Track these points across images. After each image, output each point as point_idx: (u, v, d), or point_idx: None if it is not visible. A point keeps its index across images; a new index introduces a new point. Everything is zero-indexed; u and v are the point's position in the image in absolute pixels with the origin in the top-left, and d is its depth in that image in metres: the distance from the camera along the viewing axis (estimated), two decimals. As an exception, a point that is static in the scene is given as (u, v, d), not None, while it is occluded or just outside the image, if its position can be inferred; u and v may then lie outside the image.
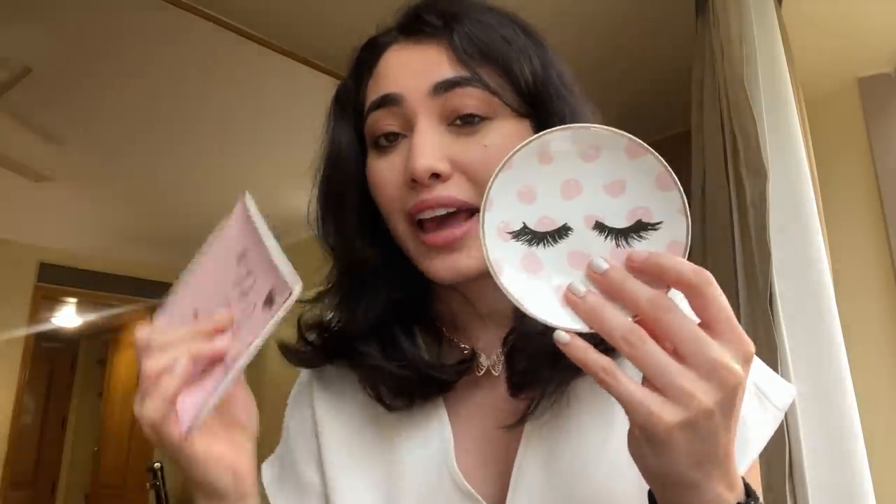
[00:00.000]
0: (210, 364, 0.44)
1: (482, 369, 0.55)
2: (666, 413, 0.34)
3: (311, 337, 0.59)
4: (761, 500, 0.40)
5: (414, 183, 0.49)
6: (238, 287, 0.46)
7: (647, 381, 0.36)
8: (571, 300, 0.38)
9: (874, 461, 1.14)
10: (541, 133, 0.39)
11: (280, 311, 0.40)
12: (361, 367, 0.55)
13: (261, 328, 0.41)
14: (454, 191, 0.49)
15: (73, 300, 5.13)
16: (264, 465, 0.65)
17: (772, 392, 0.55)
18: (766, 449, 0.53)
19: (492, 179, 0.39)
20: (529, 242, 0.40)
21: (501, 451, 0.53)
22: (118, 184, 3.74)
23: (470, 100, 0.50)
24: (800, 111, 1.39)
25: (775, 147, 1.32)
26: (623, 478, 0.49)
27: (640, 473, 0.46)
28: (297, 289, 0.40)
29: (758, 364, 0.56)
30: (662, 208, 0.38)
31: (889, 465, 1.56)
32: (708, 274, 0.36)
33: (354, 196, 0.55)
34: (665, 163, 0.38)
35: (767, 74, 1.37)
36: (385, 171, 0.52)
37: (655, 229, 0.39)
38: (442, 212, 0.49)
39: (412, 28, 0.54)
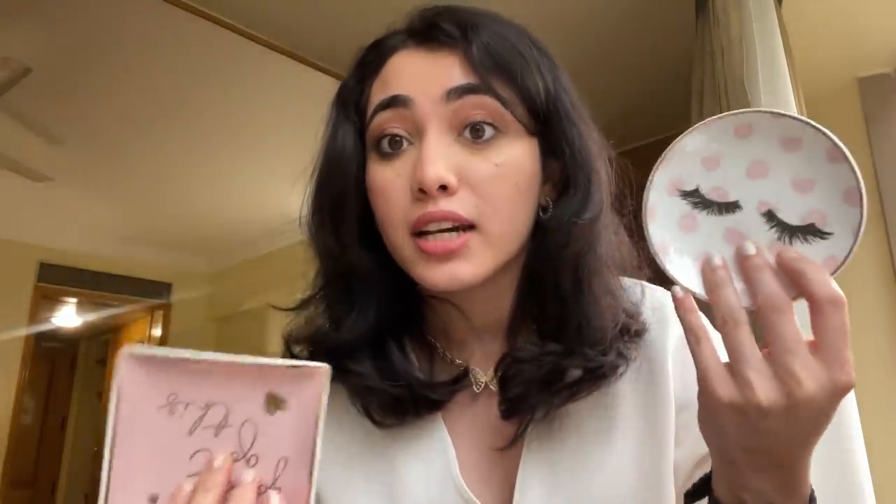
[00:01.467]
0: None
1: (480, 385, 0.54)
2: (720, 387, 0.37)
3: (298, 351, 0.56)
4: None
5: (421, 193, 0.47)
6: (199, 433, 0.37)
7: (728, 364, 0.38)
8: (704, 267, 0.40)
9: (874, 461, 1.14)
10: (747, 110, 0.39)
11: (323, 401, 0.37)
12: (351, 383, 0.53)
13: (295, 434, 0.36)
14: (458, 206, 0.47)
15: (73, 300, 5.12)
16: None
17: None
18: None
19: (681, 136, 0.40)
20: (695, 205, 0.41)
21: (502, 466, 0.53)
22: (118, 184, 3.74)
23: (482, 109, 0.48)
24: (800, 111, 1.39)
25: (775, 147, 1.31)
26: (624, 492, 0.50)
27: (640, 485, 0.48)
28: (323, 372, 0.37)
29: None
30: (839, 221, 0.38)
31: (889, 465, 1.56)
32: (841, 300, 0.36)
33: (353, 200, 0.52)
34: (860, 178, 0.37)
35: (767, 74, 1.37)
36: (389, 179, 0.49)
37: (823, 238, 0.38)
38: (446, 225, 0.47)
39: (426, 35, 0.52)
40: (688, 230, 0.41)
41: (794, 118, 0.38)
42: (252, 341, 4.94)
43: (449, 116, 0.48)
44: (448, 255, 0.47)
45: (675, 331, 0.55)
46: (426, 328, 0.56)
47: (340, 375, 0.52)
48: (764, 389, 0.35)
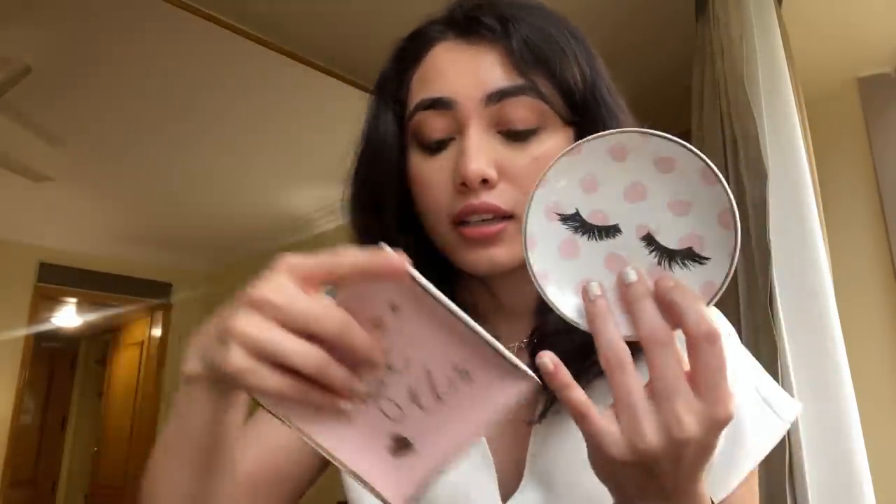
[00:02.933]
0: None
1: None
2: (614, 450, 0.36)
3: None
4: None
5: (463, 186, 0.49)
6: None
7: (616, 414, 0.37)
8: (583, 297, 0.38)
9: (874, 461, 1.14)
10: (619, 130, 0.38)
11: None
12: None
13: (485, 402, 0.37)
14: (498, 199, 0.49)
15: (73, 300, 5.12)
16: None
17: (777, 404, 0.55)
18: (766, 449, 0.54)
19: (555, 160, 0.39)
20: (575, 230, 0.40)
21: (515, 441, 0.54)
22: (118, 184, 3.74)
23: (522, 110, 0.50)
24: (800, 111, 1.39)
25: (775, 147, 1.32)
26: None
27: None
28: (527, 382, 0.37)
29: (765, 378, 0.57)
30: (716, 244, 0.37)
31: (889, 465, 1.56)
32: (712, 331, 0.35)
33: (394, 187, 0.55)
34: (733, 200, 0.37)
35: (767, 74, 1.37)
36: (433, 173, 0.52)
37: (701, 263, 0.38)
38: (487, 216, 0.49)
39: (466, 28, 0.53)
40: (569, 257, 0.40)
41: (664, 137, 0.37)
42: (252, 341, 4.94)
43: (489, 115, 0.50)
44: (487, 241, 0.50)
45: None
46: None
47: None
48: (654, 437, 0.35)
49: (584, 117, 0.52)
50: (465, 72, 0.51)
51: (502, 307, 0.57)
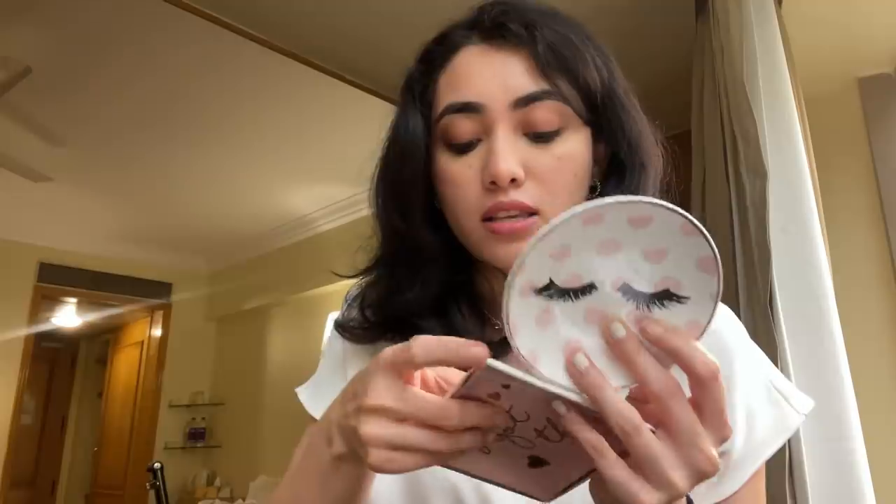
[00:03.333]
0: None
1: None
2: (648, 498, 0.36)
3: (369, 314, 0.61)
4: None
5: (493, 185, 0.52)
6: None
7: (632, 464, 0.37)
8: (572, 372, 0.38)
9: (874, 461, 1.14)
10: (595, 202, 0.36)
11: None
12: None
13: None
14: (525, 196, 0.52)
15: (73, 300, 5.13)
16: (299, 389, 0.68)
17: (792, 397, 0.56)
18: (766, 449, 0.54)
19: (529, 248, 0.37)
20: (550, 297, 0.39)
21: None
22: (118, 184, 3.75)
23: (547, 114, 0.53)
24: (800, 111, 1.39)
25: (775, 147, 1.31)
26: None
27: None
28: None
29: (777, 372, 0.58)
30: (695, 287, 0.37)
31: (889, 465, 1.56)
32: (716, 367, 0.36)
33: (421, 186, 0.57)
34: (714, 248, 0.36)
35: (767, 74, 1.37)
36: (462, 171, 0.54)
37: (680, 303, 0.38)
38: (514, 213, 0.52)
39: (493, 33, 0.55)
40: (545, 325, 0.39)
41: (644, 202, 0.36)
42: (252, 341, 4.95)
43: (516, 118, 0.53)
44: (515, 235, 0.52)
45: (739, 357, 0.56)
46: (476, 297, 0.61)
47: (403, 332, 0.57)
48: (684, 480, 0.36)
49: (601, 117, 0.55)
50: (492, 77, 0.54)
51: None
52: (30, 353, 4.47)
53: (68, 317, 5.42)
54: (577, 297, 0.39)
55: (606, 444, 0.37)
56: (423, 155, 0.57)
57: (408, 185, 0.58)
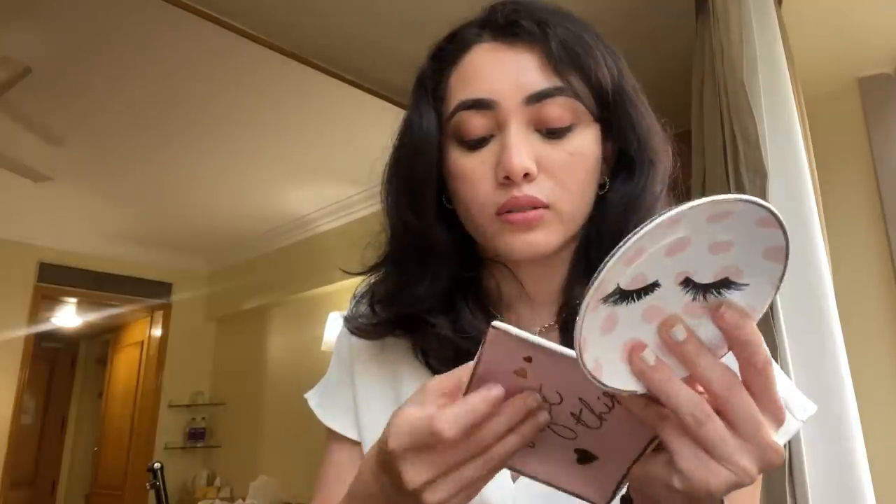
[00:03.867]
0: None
1: None
2: (718, 482, 0.36)
3: (378, 310, 0.62)
4: None
5: (507, 180, 0.52)
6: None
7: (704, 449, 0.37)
8: (640, 370, 0.38)
9: (874, 461, 1.14)
10: (682, 206, 0.34)
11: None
12: (422, 336, 0.59)
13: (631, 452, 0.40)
14: (537, 191, 0.52)
15: (73, 300, 5.13)
16: (308, 395, 0.68)
17: (793, 403, 0.56)
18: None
19: (606, 266, 0.35)
20: (615, 303, 0.37)
21: None
22: (118, 184, 3.74)
23: (560, 110, 0.53)
24: (800, 111, 1.39)
25: (775, 147, 1.31)
26: None
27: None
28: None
29: (780, 375, 0.57)
30: (756, 274, 0.37)
31: (889, 465, 1.56)
32: (769, 354, 0.37)
33: (434, 182, 0.58)
34: (788, 239, 0.36)
35: (767, 74, 1.37)
36: (475, 167, 0.55)
37: (738, 289, 0.37)
38: (528, 208, 0.53)
39: (505, 30, 0.56)
40: (609, 331, 0.38)
41: (731, 200, 0.34)
42: (252, 341, 4.94)
43: (528, 114, 0.53)
44: (527, 226, 0.53)
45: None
46: (482, 293, 0.62)
47: (412, 328, 0.60)
48: (754, 465, 0.36)
49: (611, 113, 0.56)
50: (505, 74, 0.54)
51: (526, 295, 0.60)
52: (30, 353, 4.47)
53: (68, 317, 5.42)
54: (640, 297, 0.37)
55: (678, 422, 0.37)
56: (436, 152, 0.57)
57: (421, 182, 0.58)
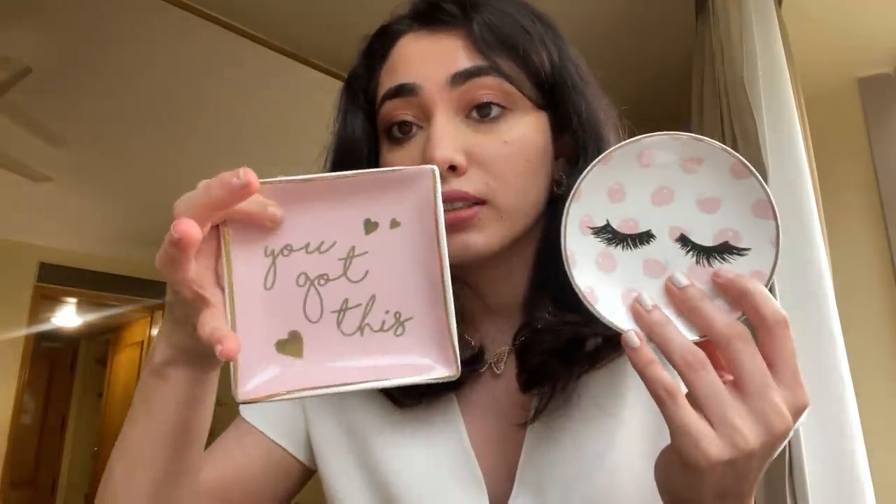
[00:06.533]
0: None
1: (485, 366, 0.55)
2: (713, 448, 0.34)
3: None
4: None
5: None
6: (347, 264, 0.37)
7: (695, 406, 0.35)
8: (637, 310, 0.37)
9: (874, 461, 1.14)
10: (646, 135, 0.37)
11: (420, 377, 0.35)
12: None
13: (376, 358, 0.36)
14: (467, 185, 0.48)
15: (73, 300, 5.12)
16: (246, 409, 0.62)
17: None
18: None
19: (586, 171, 0.38)
20: (609, 241, 0.39)
21: (507, 447, 0.53)
22: (118, 184, 3.74)
23: (488, 90, 0.49)
24: (800, 111, 1.39)
25: (775, 147, 1.31)
26: (629, 474, 0.49)
27: (645, 470, 0.45)
28: (451, 372, 0.36)
29: None
30: (753, 235, 0.37)
31: (889, 465, 1.56)
32: (786, 316, 0.35)
33: None
34: (768, 190, 0.36)
35: (767, 74, 1.37)
36: (403, 163, 0.51)
37: (742, 255, 0.38)
38: (459, 205, 0.48)
39: (428, 17, 0.53)
40: (609, 270, 0.39)
41: (692, 138, 0.37)
42: (252, 341, 4.94)
43: (456, 99, 0.49)
44: (460, 226, 0.48)
45: None
46: None
47: None
48: (754, 433, 0.34)
49: (554, 100, 0.52)
50: (428, 58, 0.51)
51: (489, 308, 0.57)
52: (30, 353, 4.46)
53: (68, 317, 5.42)
54: (635, 244, 0.39)
55: (678, 387, 0.35)
56: (365, 153, 0.54)
57: None
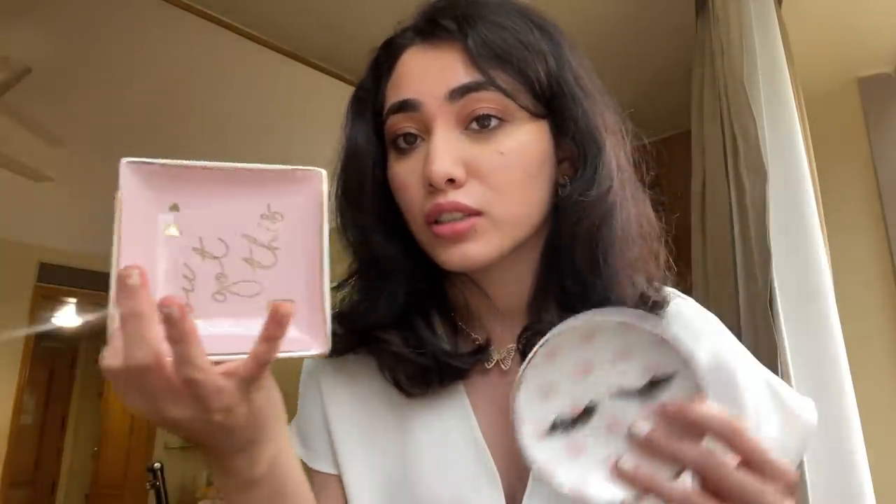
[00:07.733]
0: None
1: (492, 362, 0.57)
2: None
3: (335, 327, 0.60)
4: None
5: (431, 187, 0.50)
6: (249, 251, 0.40)
7: None
8: (624, 475, 0.40)
9: (874, 461, 1.14)
10: (544, 338, 0.42)
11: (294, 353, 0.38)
12: (382, 354, 0.56)
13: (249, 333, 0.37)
14: (465, 197, 0.50)
15: (73, 300, 5.12)
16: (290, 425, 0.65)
17: (800, 411, 0.57)
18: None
19: (514, 401, 0.42)
20: (566, 431, 0.43)
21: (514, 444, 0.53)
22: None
23: (485, 103, 0.51)
24: (800, 111, 1.39)
25: (775, 147, 1.31)
26: None
27: None
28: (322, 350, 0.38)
29: (783, 384, 0.58)
30: (670, 361, 0.41)
31: (889, 465, 1.56)
32: (731, 421, 0.38)
33: (371, 194, 0.56)
34: (655, 330, 0.40)
35: (767, 74, 1.37)
36: (405, 174, 0.53)
37: (673, 379, 0.41)
38: (458, 216, 0.50)
39: (428, 31, 0.54)
40: (579, 453, 0.42)
41: (574, 322, 0.42)
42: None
43: (455, 112, 0.51)
44: (458, 237, 0.50)
45: (706, 346, 0.56)
46: (450, 305, 0.60)
47: (373, 347, 0.57)
48: None
49: (552, 107, 0.53)
50: (428, 73, 0.52)
51: (496, 308, 0.58)
52: (30, 353, 4.46)
53: (68, 317, 5.41)
54: (587, 419, 0.42)
55: None
56: (370, 164, 0.56)
57: (357, 196, 0.57)
